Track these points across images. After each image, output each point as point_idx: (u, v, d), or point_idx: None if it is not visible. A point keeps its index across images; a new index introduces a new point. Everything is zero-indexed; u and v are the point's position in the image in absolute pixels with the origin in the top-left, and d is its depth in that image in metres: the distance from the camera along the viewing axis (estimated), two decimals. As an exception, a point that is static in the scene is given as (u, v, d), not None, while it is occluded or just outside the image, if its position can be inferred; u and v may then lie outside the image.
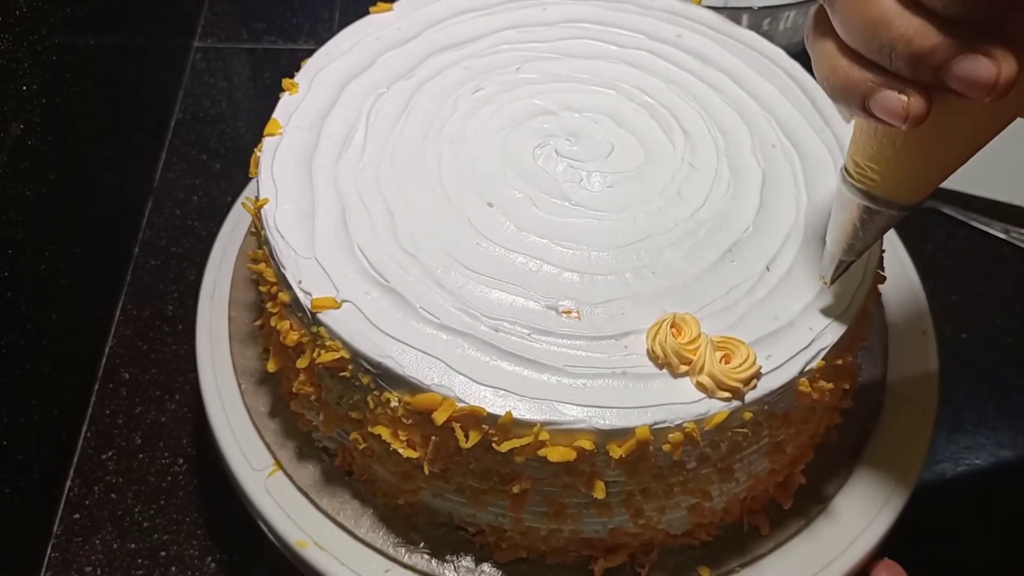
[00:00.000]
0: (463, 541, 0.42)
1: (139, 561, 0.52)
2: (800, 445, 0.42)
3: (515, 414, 0.34)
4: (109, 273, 0.64)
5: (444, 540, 0.42)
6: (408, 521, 0.42)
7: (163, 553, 0.53)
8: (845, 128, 0.46)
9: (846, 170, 0.34)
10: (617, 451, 0.35)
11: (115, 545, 0.53)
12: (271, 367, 0.43)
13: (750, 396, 0.35)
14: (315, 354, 0.38)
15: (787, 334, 0.38)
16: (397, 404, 0.36)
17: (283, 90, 0.46)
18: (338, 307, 0.37)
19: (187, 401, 0.59)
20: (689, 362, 0.36)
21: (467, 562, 0.42)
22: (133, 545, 0.53)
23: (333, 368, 0.37)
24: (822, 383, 0.37)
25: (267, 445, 0.45)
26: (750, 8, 0.63)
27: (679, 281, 0.39)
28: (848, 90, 0.28)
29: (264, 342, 0.47)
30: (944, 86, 0.26)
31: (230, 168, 0.72)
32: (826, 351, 0.37)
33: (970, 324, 0.63)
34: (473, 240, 0.40)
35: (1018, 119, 0.30)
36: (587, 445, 0.34)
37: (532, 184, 0.42)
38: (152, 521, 0.54)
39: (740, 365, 0.35)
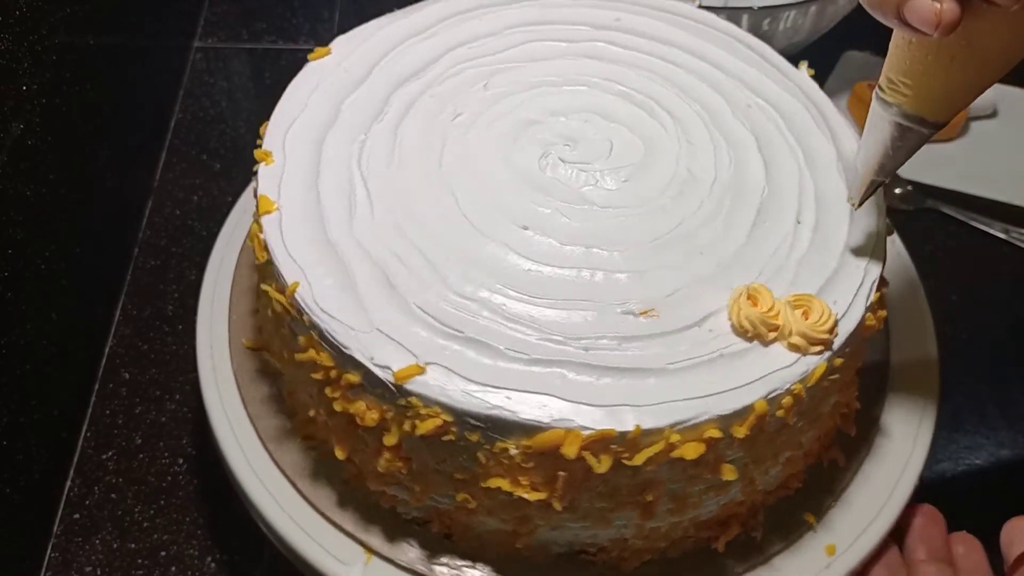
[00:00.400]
0: (585, 563, 0.42)
1: (139, 561, 0.52)
2: (854, 373, 0.44)
3: (643, 425, 0.34)
4: (109, 273, 0.64)
5: (568, 568, 0.42)
6: (528, 563, 0.42)
7: (163, 553, 0.53)
8: (802, 76, 0.49)
9: (880, 87, 0.35)
10: (741, 431, 0.35)
11: (115, 545, 0.53)
12: (340, 454, 0.40)
13: (836, 343, 0.37)
14: (407, 427, 0.36)
15: (841, 277, 0.40)
16: (516, 451, 0.35)
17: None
18: (423, 372, 0.35)
19: (187, 401, 0.59)
20: (776, 328, 0.37)
21: None
22: (133, 545, 0.53)
23: (433, 435, 0.36)
24: (880, 312, 0.41)
25: (352, 537, 0.42)
26: (750, 8, 0.63)
27: (728, 254, 0.40)
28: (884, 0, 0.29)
29: (305, 431, 0.44)
30: None
31: (230, 168, 0.72)
32: (876, 283, 0.40)
33: (970, 324, 0.63)
34: (523, 267, 0.39)
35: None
36: (715, 434, 0.35)
37: (553, 196, 0.42)
38: (152, 521, 0.54)
39: (820, 318, 0.37)
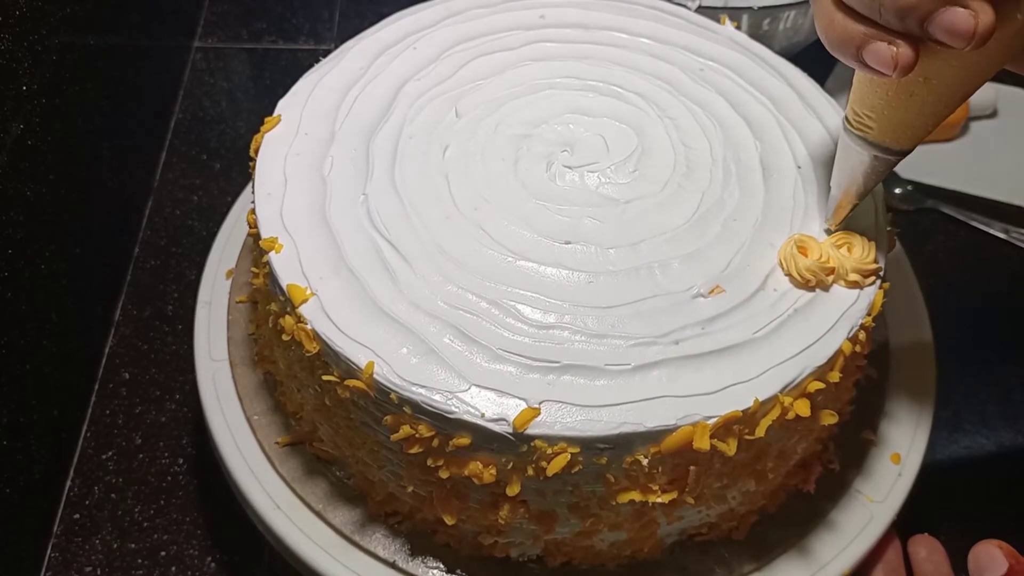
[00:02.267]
0: (701, 544, 0.43)
1: (139, 561, 0.52)
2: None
3: (760, 397, 0.35)
4: (109, 273, 0.64)
5: (685, 555, 0.43)
6: (644, 563, 0.42)
7: (163, 553, 0.53)
8: (730, 30, 0.51)
9: (846, 119, 0.36)
10: (834, 376, 0.37)
11: (115, 545, 0.53)
12: (450, 520, 0.39)
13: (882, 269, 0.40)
14: (531, 472, 0.35)
15: (857, 208, 0.41)
16: (646, 460, 0.35)
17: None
18: (540, 412, 0.35)
19: (187, 401, 0.59)
20: (832, 271, 0.39)
21: (723, 563, 0.42)
22: (133, 545, 0.53)
23: (563, 471, 0.35)
24: (894, 229, 0.43)
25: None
26: (750, 8, 0.63)
27: (759, 218, 0.41)
28: (844, 42, 0.31)
29: (386, 508, 0.43)
30: (929, 37, 0.29)
31: (230, 168, 0.72)
32: (889, 216, 0.43)
33: (970, 324, 0.63)
34: (584, 280, 0.39)
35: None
36: (818, 385, 0.37)
37: (577, 204, 0.41)
38: (152, 521, 0.54)
39: (863, 250, 0.39)
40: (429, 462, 0.37)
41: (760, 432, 0.36)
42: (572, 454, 0.34)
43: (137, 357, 0.61)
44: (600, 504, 0.37)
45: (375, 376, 0.36)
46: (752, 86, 0.47)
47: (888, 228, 0.42)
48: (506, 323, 0.37)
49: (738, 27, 0.52)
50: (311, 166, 0.43)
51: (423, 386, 0.35)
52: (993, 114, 0.75)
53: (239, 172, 0.71)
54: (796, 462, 0.43)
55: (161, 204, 0.70)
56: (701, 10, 0.53)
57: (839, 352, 0.37)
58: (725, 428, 0.35)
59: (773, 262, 0.40)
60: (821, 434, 0.43)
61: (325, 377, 0.38)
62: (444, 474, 0.36)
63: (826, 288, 0.39)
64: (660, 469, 0.36)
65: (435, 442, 0.36)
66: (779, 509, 0.44)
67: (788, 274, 0.39)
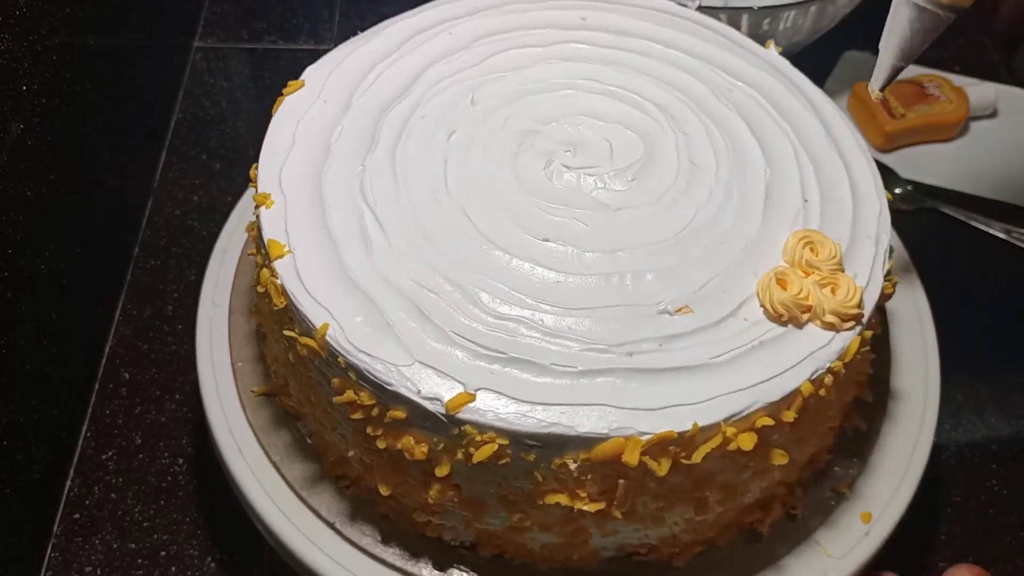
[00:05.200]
0: (638, 564, 0.42)
1: (139, 561, 0.52)
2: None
3: (699, 423, 0.35)
4: (109, 273, 0.64)
5: (620, 571, 0.42)
6: (580, 571, 0.42)
7: (163, 553, 0.53)
8: (772, 55, 0.51)
9: None
10: (789, 415, 0.36)
11: (115, 545, 0.53)
12: (384, 492, 0.39)
13: (865, 316, 0.38)
14: (460, 456, 0.36)
15: (855, 251, 0.41)
16: (574, 465, 0.35)
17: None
18: (474, 398, 0.35)
19: (187, 401, 0.59)
20: (809, 309, 0.38)
21: None
22: (133, 545, 0.53)
23: (489, 461, 0.35)
24: (893, 278, 0.42)
25: (397, 570, 0.42)
26: (750, 8, 0.63)
27: (750, 240, 0.41)
28: None
29: (336, 471, 0.43)
30: None
31: (230, 168, 0.72)
32: (887, 252, 0.42)
33: (970, 324, 0.63)
34: (552, 279, 0.39)
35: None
36: (767, 421, 0.36)
37: (567, 204, 0.42)
38: (152, 521, 0.54)
39: (848, 293, 0.38)
40: (368, 430, 0.37)
41: (697, 458, 0.35)
42: (500, 445, 0.35)
43: (137, 357, 0.61)
44: (528, 502, 0.37)
45: (327, 338, 0.37)
46: (778, 112, 0.47)
47: (888, 278, 0.41)
48: (465, 308, 0.38)
49: (739, 28, 0.52)
50: (320, 132, 0.44)
51: (369, 354, 0.36)
52: (993, 114, 0.75)
53: (239, 172, 0.71)
54: (753, 500, 0.42)
55: (161, 204, 0.70)
56: (701, 10, 0.53)
57: (797, 392, 0.36)
58: (659, 447, 0.34)
59: (751, 290, 0.39)
60: (783, 476, 0.42)
61: (286, 332, 0.39)
62: (381, 444, 0.37)
63: (799, 325, 0.38)
64: (589, 477, 0.35)
65: (375, 411, 0.37)
66: (728, 544, 0.43)
67: (762, 305, 0.39)
